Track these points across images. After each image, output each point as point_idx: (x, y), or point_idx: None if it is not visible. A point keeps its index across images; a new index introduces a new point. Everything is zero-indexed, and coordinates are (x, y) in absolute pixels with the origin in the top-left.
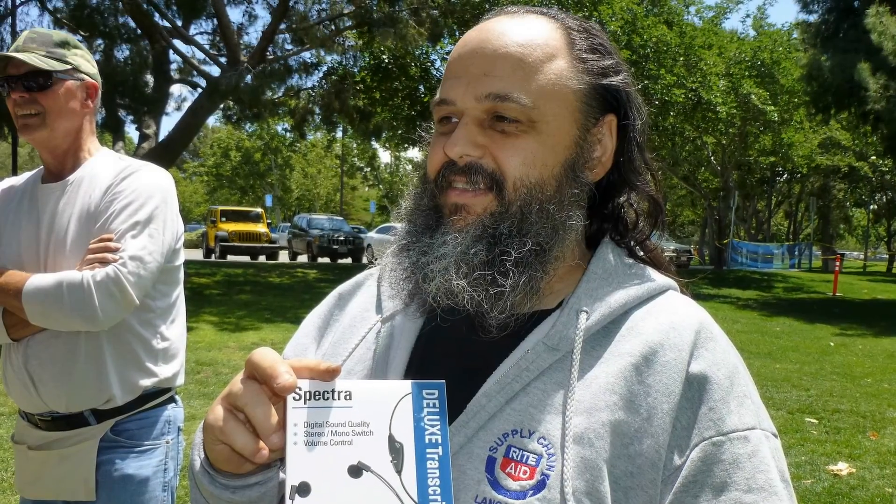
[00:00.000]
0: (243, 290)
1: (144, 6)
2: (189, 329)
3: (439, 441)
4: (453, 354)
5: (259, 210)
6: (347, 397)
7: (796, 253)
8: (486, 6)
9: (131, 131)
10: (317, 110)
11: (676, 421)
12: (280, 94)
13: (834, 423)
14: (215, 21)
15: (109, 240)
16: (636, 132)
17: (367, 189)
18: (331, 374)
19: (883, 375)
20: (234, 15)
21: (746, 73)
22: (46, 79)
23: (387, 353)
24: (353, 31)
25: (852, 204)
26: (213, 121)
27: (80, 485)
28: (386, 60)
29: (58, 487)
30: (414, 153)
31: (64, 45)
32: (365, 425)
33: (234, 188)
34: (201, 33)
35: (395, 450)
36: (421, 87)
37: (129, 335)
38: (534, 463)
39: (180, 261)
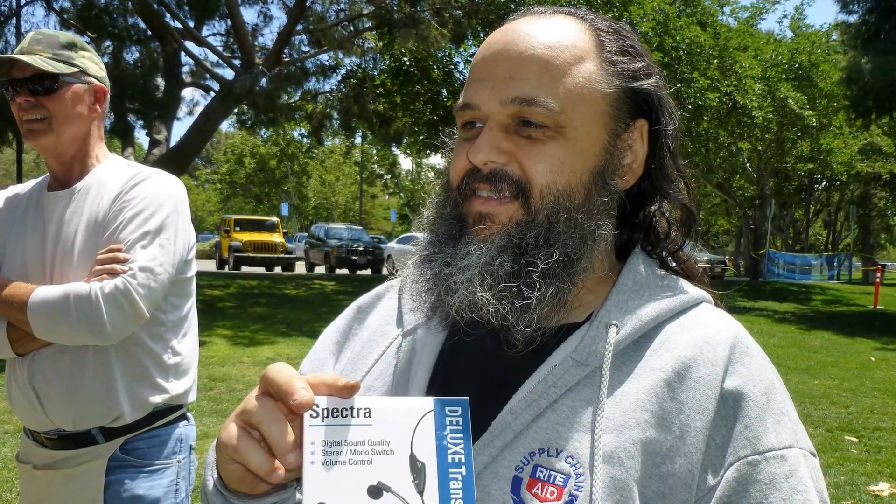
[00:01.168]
0: (258, 302)
1: (155, 6)
2: (201, 343)
3: (463, 460)
4: (477, 370)
5: (274, 219)
6: (367, 414)
7: (835, 264)
8: (512, 6)
9: (141, 137)
10: (335, 115)
11: (710, 439)
12: (296, 97)
13: (875, 442)
14: (229, 22)
15: (118, 250)
16: (668, 138)
17: (387, 197)
18: (349, 390)
19: None
20: (249, 15)
21: (783, 77)
22: (53, 82)
23: (408, 369)
24: (373, 32)
25: (894, 213)
26: (226, 126)
27: None
28: (407, 63)
29: None
30: (436, 160)
31: (71, 46)
32: (385, 444)
33: (248, 196)
34: (214, 35)
35: (417, 469)
36: (443, 90)
37: (138, 350)
38: (561, 483)
39: (192, 272)
